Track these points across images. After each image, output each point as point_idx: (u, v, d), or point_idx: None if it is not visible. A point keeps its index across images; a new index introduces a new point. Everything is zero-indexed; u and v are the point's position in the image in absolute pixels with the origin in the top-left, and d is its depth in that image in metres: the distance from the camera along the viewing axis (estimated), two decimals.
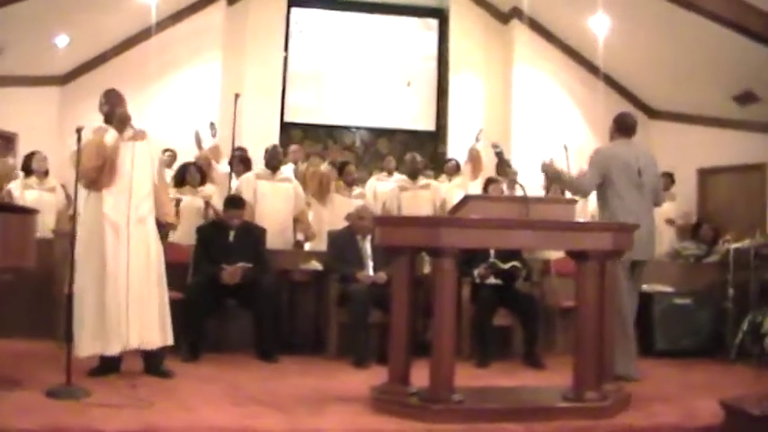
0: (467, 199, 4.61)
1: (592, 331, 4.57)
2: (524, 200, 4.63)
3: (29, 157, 8.38)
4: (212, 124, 8.93)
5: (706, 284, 7.79)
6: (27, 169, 8.33)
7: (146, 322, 5.26)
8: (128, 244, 5.24)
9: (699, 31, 9.07)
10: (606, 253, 4.66)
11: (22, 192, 8.06)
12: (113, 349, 5.17)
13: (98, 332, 5.15)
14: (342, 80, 12.62)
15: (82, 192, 5.31)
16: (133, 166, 5.36)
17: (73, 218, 5.45)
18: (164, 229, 5.75)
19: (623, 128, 6.11)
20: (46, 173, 8.29)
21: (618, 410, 4.55)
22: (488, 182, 8.47)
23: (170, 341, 5.44)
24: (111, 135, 5.27)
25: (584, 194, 6.18)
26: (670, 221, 9.89)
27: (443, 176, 10.00)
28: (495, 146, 8.93)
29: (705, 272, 8.10)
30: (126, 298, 5.19)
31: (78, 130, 4.95)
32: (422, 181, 8.67)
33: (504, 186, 8.30)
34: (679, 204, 10.22)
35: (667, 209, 9.71)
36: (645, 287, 7.29)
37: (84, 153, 5.08)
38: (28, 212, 5.26)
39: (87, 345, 5.14)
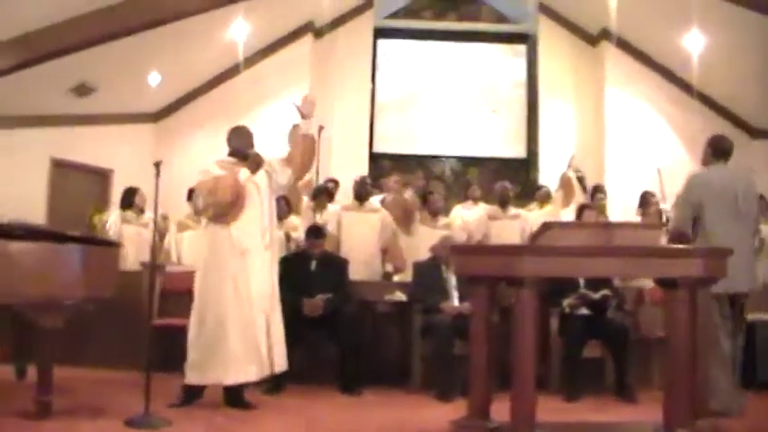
0: (547, 226, 4.44)
1: (683, 363, 4.30)
2: (607, 225, 4.45)
3: (131, 193, 8.58)
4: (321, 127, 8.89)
5: None
6: (125, 204, 8.54)
7: (276, 348, 5.39)
8: (259, 270, 5.37)
9: None
10: (697, 280, 4.40)
11: (120, 225, 8.28)
12: (250, 375, 5.25)
13: (213, 363, 5.21)
14: (430, 109, 12.57)
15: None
16: (261, 197, 5.50)
17: (156, 251, 5.56)
18: None
19: (719, 151, 5.72)
20: (142, 209, 8.48)
21: None
22: (581, 209, 8.20)
23: (285, 366, 5.52)
24: (244, 175, 5.41)
25: (686, 233, 5.81)
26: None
27: (534, 204, 9.78)
28: (576, 170, 8.66)
29: None
30: (264, 326, 5.32)
31: (156, 165, 5.07)
32: (512, 210, 8.52)
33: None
34: None
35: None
36: (747, 316, 6.95)
37: (219, 188, 5.29)
38: (110, 245, 5.35)
39: (199, 374, 5.24)
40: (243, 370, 5.20)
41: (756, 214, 5.83)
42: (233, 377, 5.22)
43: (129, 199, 8.52)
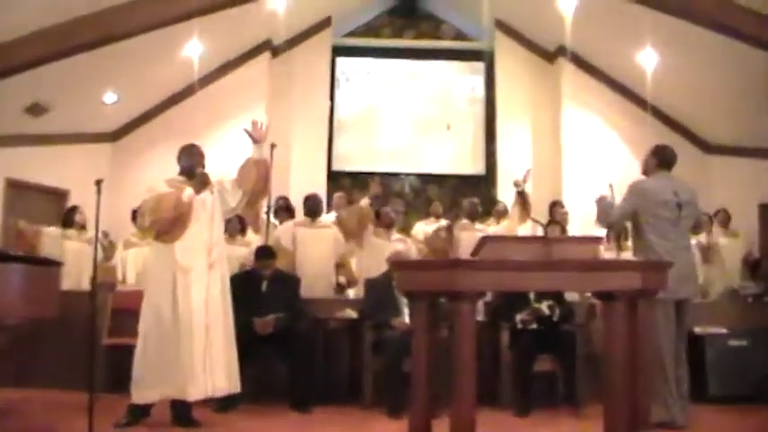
0: (485, 240, 4.42)
1: (621, 376, 4.31)
2: (546, 239, 4.45)
3: (71, 210, 8.57)
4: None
5: (764, 324, 7.40)
6: (66, 222, 8.52)
7: (217, 368, 5.30)
8: (202, 289, 5.34)
9: (748, 61, 8.80)
10: (635, 292, 4.42)
11: (62, 243, 8.22)
12: (189, 395, 5.19)
13: (160, 379, 5.20)
14: (389, 127, 12.61)
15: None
16: (207, 215, 5.52)
17: (98, 269, 5.51)
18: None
19: (663, 161, 5.82)
20: (83, 226, 8.46)
21: None
22: (548, 224, 8.28)
23: (237, 388, 5.47)
24: (187, 193, 5.42)
25: (610, 225, 5.92)
26: (746, 261, 9.48)
27: (491, 219, 9.82)
28: (515, 184, 8.71)
29: (765, 311, 7.71)
30: (202, 343, 5.25)
31: (97, 183, 5.13)
32: (478, 225, 8.68)
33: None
34: (742, 240, 9.82)
35: (732, 246, 9.38)
36: (697, 329, 7.01)
37: (162, 206, 5.32)
38: (51, 264, 5.31)
39: (146, 392, 5.22)
40: (183, 387, 5.17)
41: (697, 221, 5.92)
42: (175, 393, 5.21)
43: (70, 216, 8.51)
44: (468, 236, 8.32)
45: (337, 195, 9.93)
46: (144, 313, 5.33)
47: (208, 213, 5.53)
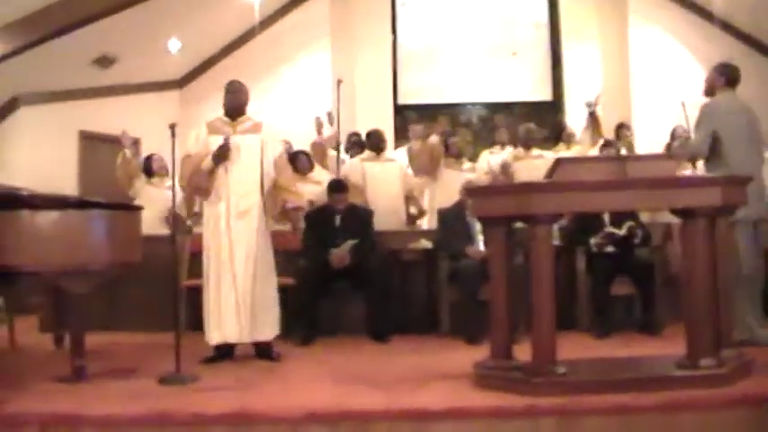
0: (558, 162, 4.40)
1: (702, 294, 4.27)
2: (620, 158, 4.41)
3: (148, 159, 8.64)
4: (329, 114, 8.91)
5: None
6: (148, 171, 8.59)
7: (251, 316, 5.37)
8: (239, 236, 5.38)
9: None
10: (715, 209, 4.34)
11: (148, 190, 8.34)
12: (228, 338, 5.38)
13: (216, 323, 5.37)
14: (453, 57, 12.43)
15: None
16: (242, 160, 5.47)
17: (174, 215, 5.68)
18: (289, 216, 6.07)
19: (730, 79, 5.69)
20: (166, 173, 8.53)
21: (737, 378, 4.22)
22: (605, 145, 8.15)
23: (276, 333, 5.55)
24: (206, 164, 5.44)
25: (694, 157, 5.78)
26: None
27: (562, 145, 9.70)
28: (587, 105, 8.54)
29: None
30: (233, 292, 5.34)
31: (171, 127, 5.07)
32: (535, 152, 8.48)
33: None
34: None
35: None
36: None
37: (182, 172, 5.50)
38: (132, 209, 5.42)
39: (213, 334, 5.40)
40: (234, 330, 5.35)
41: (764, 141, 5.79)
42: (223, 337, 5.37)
43: (148, 165, 8.57)
44: (525, 164, 8.28)
45: (419, 127, 9.86)
46: (204, 260, 5.50)
47: (247, 155, 5.50)
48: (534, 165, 8.19)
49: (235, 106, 5.60)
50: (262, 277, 5.45)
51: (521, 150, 8.60)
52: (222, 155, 5.39)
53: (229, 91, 5.63)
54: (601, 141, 8.61)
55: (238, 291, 5.33)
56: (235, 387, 4.54)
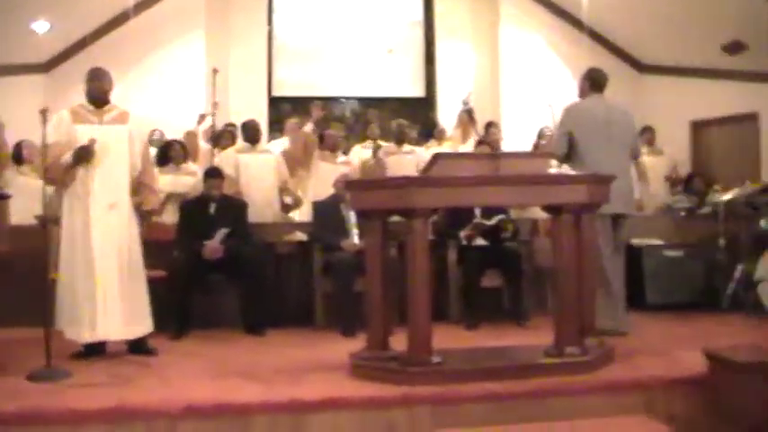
0: (436, 158, 4.51)
1: (569, 286, 4.50)
2: (495, 156, 4.57)
3: (18, 146, 8.31)
4: (215, 103, 8.74)
5: (698, 237, 7.70)
6: (18, 158, 8.26)
7: (119, 312, 5.18)
8: (107, 227, 5.21)
9: None
10: (582, 206, 4.58)
11: (17, 179, 8.01)
12: (84, 338, 5.15)
13: (74, 319, 5.16)
14: (328, 51, 12.46)
15: None
16: (107, 150, 5.28)
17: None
18: (146, 216, 5.80)
19: (595, 84, 6.05)
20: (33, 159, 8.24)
21: (600, 365, 4.49)
22: (478, 144, 8.38)
23: (149, 329, 5.38)
24: (65, 160, 5.20)
25: (560, 157, 6.03)
26: (669, 178, 9.76)
27: (433, 141, 9.92)
28: (464, 102, 8.81)
29: (697, 224, 8.01)
30: (104, 287, 5.15)
31: (42, 112, 4.90)
32: (406, 147, 8.67)
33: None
34: (667, 158, 10.07)
35: (655, 163, 9.61)
36: (635, 241, 7.28)
37: (51, 153, 5.15)
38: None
39: (67, 330, 5.18)
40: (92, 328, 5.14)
41: (633, 141, 6.11)
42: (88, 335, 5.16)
43: (18, 152, 8.23)
44: (396, 159, 8.49)
45: (291, 122, 9.88)
46: (62, 253, 5.27)
47: (113, 146, 5.32)
48: (407, 160, 8.36)
49: (98, 94, 5.40)
50: (134, 272, 5.31)
51: (392, 145, 8.78)
52: (84, 157, 5.18)
53: (92, 78, 5.43)
54: (472, 138, 8.87)
55: (110, 287, 5.16)
56: (110, 383, 4.44)
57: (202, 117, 8.70)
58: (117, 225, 5.26)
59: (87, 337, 5.15)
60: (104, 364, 5.06)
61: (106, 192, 5.25)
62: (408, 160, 8.45)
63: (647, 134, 9.76)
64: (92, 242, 5.16)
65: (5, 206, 5.15)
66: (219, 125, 8.84)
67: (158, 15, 11.02)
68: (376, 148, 8.51)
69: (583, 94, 6.10)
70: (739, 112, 10.36)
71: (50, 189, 5.86)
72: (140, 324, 5.31)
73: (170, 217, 7.33)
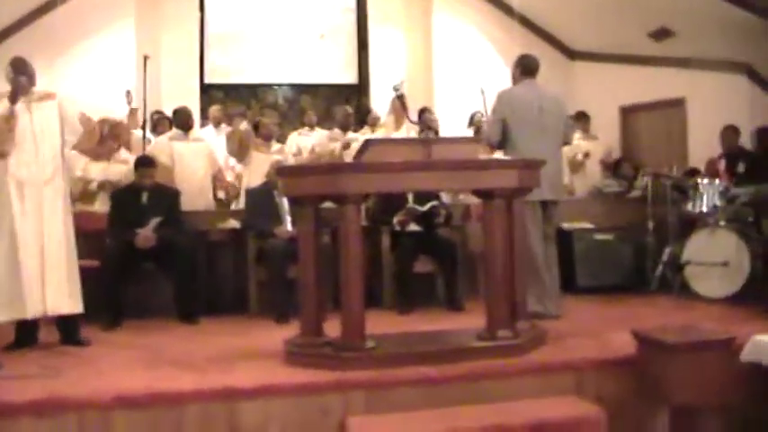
0: (368, 143, 4.53)
1: (500, 270, 4.56)
2: (426, 141, 4.59)
3: None
4: (128, 92, 8.65)
5: (627, 220, 7.87)
6: None
7: (55, 287, 5.12)
8: (38, 205, 5.13)
9: None
10: (512, 191, 4.64)
11: None
12: (28, 313, 5.04)
13: (13, 297, 5.03)
14: (261, 38, 12.34)
15: None
16: (38, 127, 5.23)
17: None
18: None
19: (526, 70, 6.10)
20: None
21: (532, 347, 4.57)
22: (422, 130, 8.39)
23: (79, 309, 5.28)
24: (1, 106, 5.12)
25: (494, 144, 6.08)
26: (603, 162, 9.94)
27: (366, 128, 9.92)
28: (395, 88, 8.83)
29: (626, 208, 8.19)
30: (39, 261, 5.07)
31: None
32: (350, 134, 8.73)
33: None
34: (601, 143, 10.27)
35: (589, 148, 9.78)
36: (565, 225, 7.39)
37: None
38: None
39: (3, 311, 5.03)
40: (23, 306, 5.04)
41: (565, 128, 6.19)
42: (18, 313, 5.06)
43: None
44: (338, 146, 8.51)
45: (214, 108, 9.83)
46: None
47: (42, 123, 5.27)
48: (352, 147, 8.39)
49: (26, 89, 5.26)
50: (70, 247, 5.26)
51: (338, 132, 8.82)
52: (17, 92, 5.11)
53: (17, 71, 5.28)
54: (405, 124, 8.89)
55: (45, 260, 5.09)
56: (40, 374, 4.36)
57: (128, 94, 8.53)
58: (53, 198, 5.21)
59: (4, 315, 5.04)
60: (36, 356, 4.98)
61: (42, 165, 5.20)
62: (353, 148, 8.50)
63: (583, 120, 9.93)
64: (26, 216, 5.08)
65: None
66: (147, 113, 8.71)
67: (87, 2, 10.78)
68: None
69: (515, 80, 6.16)
70: (667, 98, 10.55)
71: None
72: (74, 300, 5.22)
73: (102, 206, 7.22)
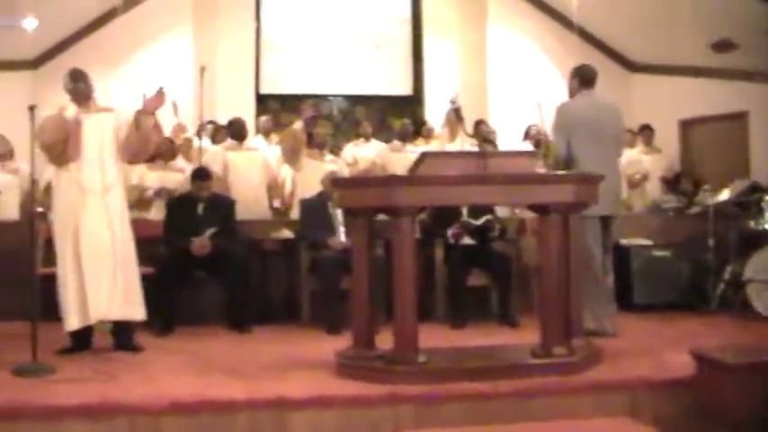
0: (424, 156, 4.50)
1: (556, 285, 4.48)
2: (482, 154, 4.54)
3: None
4: (174, 103, 8.69)
5: (686, 236, 7.70)
6: None
7: (121, 293, 5.23)
8: (101, 212, 5.24)
9: None
10: (569, 205, 4.56)
11: None
12: (93, 319, 5.15)
13: (82, 304, 5.13)
14: (317, 49, 12.39)
15: (49, 169, 5.53)
16: (97, 136, 5.36)
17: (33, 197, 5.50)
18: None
19: (584, 80, 5.97)
20: (10, 154, 8.21)
21: (587, 366, 4.47)
22: (482, 142, 8.35)
23: (143, 315, 5.38)
24: (71, 110, 5.29)
25: (567, 160, 5.95)
26: (664, 179, 9.78)
27: (420, 140, 9.91)
28: (452, 101, 8.80)
29: (685, 224, 8.01)
30: (104, 267, 5.17)
31: (31, 108, 4.89)
32: (409, 147, 8.84)
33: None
34: (664, 156, 10.09)
35: (650, 166, 9.63)
36: (623, 241, 7.26)
37: (46, 129, 5.14)
38: None
39: (74, 319, 5.14)
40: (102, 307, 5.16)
41: (620, 140, 6.07)
42: (91, 317, 5.15)
43: None
44: (401, 158, 8.48)
45: (264, 119, 9.88)
46: (58, 243, 5.27)
47: (102, 133, 5.39)
48: (410, 159, 8.37)
49: (86, 95, 5.43)
50: (132, 254, 5.38)
51: (399, 143, 8.86)
52: (81, 93, 5.34)
53: (75, 79, 5.42)
54: (460, 136, 8.85)
55: (112, 266, 5.19)
56: (94, 378, 4.44)
57: (174, 105, 8.59)
58: (114, 207, 5.32)
59: (75, 324, 5.13)
60: (90, 360, 5.05)
61: (103, 174, 5.31)
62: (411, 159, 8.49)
63: (646, 133, 9.80)
64: (92, 224, 5.19)
65: None
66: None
67: (146, 12, 10.94)
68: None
69: (572, 92, 6.03)
70: (728, 111, 10.35)
71: (41, 184, 5.90)
72: (138, 307, 5.33)
73: (158, 214, 7.30)
